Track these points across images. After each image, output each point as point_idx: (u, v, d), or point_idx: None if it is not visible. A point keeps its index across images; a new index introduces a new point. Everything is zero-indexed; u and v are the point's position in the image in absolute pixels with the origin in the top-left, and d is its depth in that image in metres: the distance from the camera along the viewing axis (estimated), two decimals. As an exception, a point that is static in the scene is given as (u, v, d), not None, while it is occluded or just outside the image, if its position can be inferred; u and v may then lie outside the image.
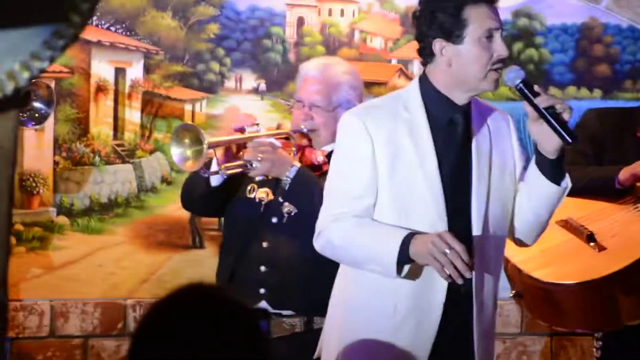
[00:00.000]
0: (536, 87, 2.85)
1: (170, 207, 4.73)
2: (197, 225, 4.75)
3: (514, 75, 2.87)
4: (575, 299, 3.44)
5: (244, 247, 3.56)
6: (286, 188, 3.43)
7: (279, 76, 4.80)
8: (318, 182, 3.36)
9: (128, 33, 4.67)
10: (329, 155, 3.51)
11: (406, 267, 2.86)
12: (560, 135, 2.80)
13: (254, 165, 3.42)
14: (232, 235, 3.65)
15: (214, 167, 3.44)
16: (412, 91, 3.01)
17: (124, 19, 4.66)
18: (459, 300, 2.92)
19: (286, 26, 4.80)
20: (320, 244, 2.99)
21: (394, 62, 4.85)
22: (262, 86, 4.81)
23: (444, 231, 2.81)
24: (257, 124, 3.53)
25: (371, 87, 4.76)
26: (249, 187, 3.55)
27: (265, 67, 4.80)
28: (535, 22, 4.83)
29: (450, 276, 2.76)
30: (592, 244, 3.51)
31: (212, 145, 3.38)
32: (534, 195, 2.99)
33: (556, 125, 2.79)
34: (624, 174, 3.59)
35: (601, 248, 3.49)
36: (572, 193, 3.64)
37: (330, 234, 2.96)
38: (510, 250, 3.17)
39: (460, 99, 2.96)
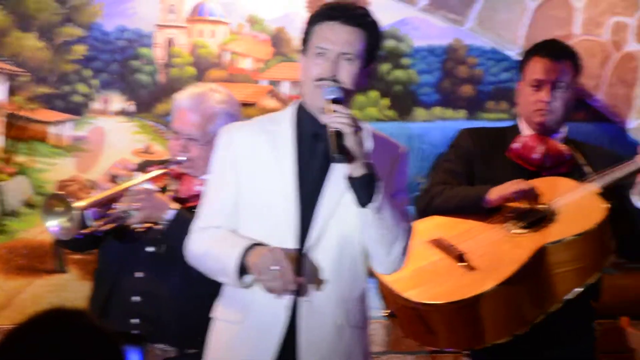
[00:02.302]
0: (336, 107, 2.86)
1: (33, 230, 4.63)
2: (60, 249, 4.64)
3: (329, 90, 2.90)
4: (445, 318, 3.48)
5: (118, 275, 3.51)
6: (164, 230, 3.41)
7: (148, 97, 4.76)
8: None
9: (-9, 54, 4.56)
10: None
11: (248, 278, 2.92)
12: (331, 152, 2.82)
13: (130, 214, 3.40)
14: (107, 262, 3.59)
15: (89, 220, 3.39)
16: (289, 108, 3.10)
17: (-13, 39, 4.55)
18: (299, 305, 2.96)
19: (155, 47, 4.76)
20: (186, 254, 3.08)
21: (264, 83, 4.86)
22: (131, 107, 4.75)
23: (276, 247, 2.86)
24: (132, 171, 3.48)
25: (241, 109, 4.76)
26: None
27: (134, 88, 4.75)
28: (402, 44, 4.92)
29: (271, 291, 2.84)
30: (462, 263, 3.56)
31: (83, 208, 3.34)
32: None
33: (330, 141, 2.82)
34: (493, 195, 3.66)
35: (471, 268, 3.54)
36: (444, 212, 3.73)
37: (191, 245, 3.05)
38: None
39: (314, 110, 3.00)
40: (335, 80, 2.92)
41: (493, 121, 4.92)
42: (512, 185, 3.62)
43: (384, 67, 4.90)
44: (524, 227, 3.64)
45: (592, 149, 4.00)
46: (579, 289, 3.59)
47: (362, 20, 2.96)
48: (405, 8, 4.84)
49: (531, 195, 3.63)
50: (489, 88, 4.98)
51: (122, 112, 4.75)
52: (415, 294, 3.50)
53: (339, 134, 2.82)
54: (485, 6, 4.84)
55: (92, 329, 1.84)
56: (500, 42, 4.87)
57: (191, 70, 4.78)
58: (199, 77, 4.76)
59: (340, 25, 2.94)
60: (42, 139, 4.65)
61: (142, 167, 3.57)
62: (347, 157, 2.81)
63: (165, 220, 3.40)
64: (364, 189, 2.88)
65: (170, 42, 4.78)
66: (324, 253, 2.98)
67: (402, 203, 3.05)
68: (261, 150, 3.02)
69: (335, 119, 2.83)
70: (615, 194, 3.75)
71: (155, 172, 3.51)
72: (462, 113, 4.97)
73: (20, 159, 4.62)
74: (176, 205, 3.44)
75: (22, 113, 4.62)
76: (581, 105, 4.93)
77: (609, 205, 3.65)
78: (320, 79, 2.93)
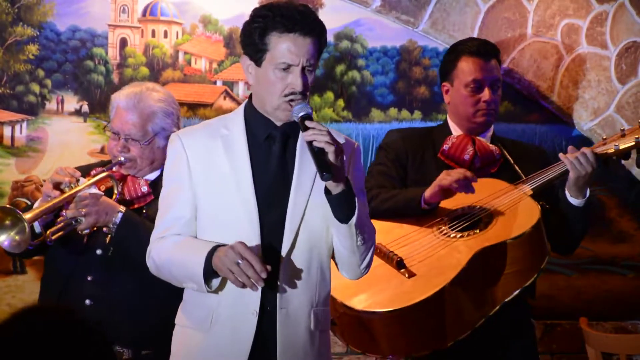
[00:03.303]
0: (310, 123, 2.84)
1: (-10, 231, 4.60)
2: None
3: (299, 108, 2.89)
4: (387, 326, 3.47)
5: (68, 280, 3.49)
6: (113, 234, 3.41)
7: (102, 98, 4.73)
8: (144, 223, 3.36)
9: (-59, 54, 4.53)
10: (152, 184, 3.50)
11: (215, 281, 2.91)
12: (318, 170, 2.80)
13: (79, 220, 3.39)
14: (55, 267, 3.57)
15: (37, 228, 3.40)
16: (237, 111, 3.07)
17: (-63, 39, 4.52)
18: (269, 311, 2.95)
19: (108, 47, 4.73)
20: (149, 264, 3.05)
21: (219, 83, 4.84)
22: (85, 108, 4.73)
23: (238, 242, 2.84)
24: (77, 177, 3.45)
25: (196, 109, 4.75)
26: None
27: (88, 88, 4.72)
28: (356, 45, 4.90)
29: (244, 285, 2.82)
30: (402, 270, 3.55)
31: (33, 220, 3.35)
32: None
33: (314, 159, 2.81)
34: (430, 190, 3.63)
35: (411, 274, 3.53)
36: (380, 215, 3.72)
37: (154, 253, 3.01)
38: None
39: (273, 118, 2.99)
40: (303, 95, 2.91)
41: (449, 122, 4.91)
42: (450, 175, 3.60)
43: (339, 68, 4.89)
44: (460, 230, 3.64)
45: (519, 145, 4.01)
46: (517, 291, 3.61)
47: (318, 28, 2.95)
48: (359, 9, 4.82)
49: (469, 184, 3.61)
50: (444, 89, 4.97)
51: (77, 113, 4.72)
52: (357, 302, 3.49)
53: (321, 152, 2.80)
54: (438, 8, 4.83)
55: (84, 326, 1.84)
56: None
57: (145, 71, 4.76)
58: (153, 77, 4.74)
59: (302, 37, 2.91)
60: (-4, 139, 4.64)
61: (85, 171, 3.55)
62: (333, 175, 2.78)
63: (114, 223, 3.39)
64: (342, 205, 2.87)
65: (123, 42, 4.75)
66: (295, 259, 2.97)
67: (364, 206, 3.04)
68: (216, 156, 2.99)
69: (316, 137, 2.81)
70: (547, 193, 3.77)
71: (99, 176, 3.49)
72: (418, 114, 4.96)
73: (-27, 159, 4.60)
74: (123, 208, 3.43)
75: (-26, 114, 4.60)
76: (535, 107, 4.93)
77: (543, 207, 3.67)
78: (290, 94, 2.91)
